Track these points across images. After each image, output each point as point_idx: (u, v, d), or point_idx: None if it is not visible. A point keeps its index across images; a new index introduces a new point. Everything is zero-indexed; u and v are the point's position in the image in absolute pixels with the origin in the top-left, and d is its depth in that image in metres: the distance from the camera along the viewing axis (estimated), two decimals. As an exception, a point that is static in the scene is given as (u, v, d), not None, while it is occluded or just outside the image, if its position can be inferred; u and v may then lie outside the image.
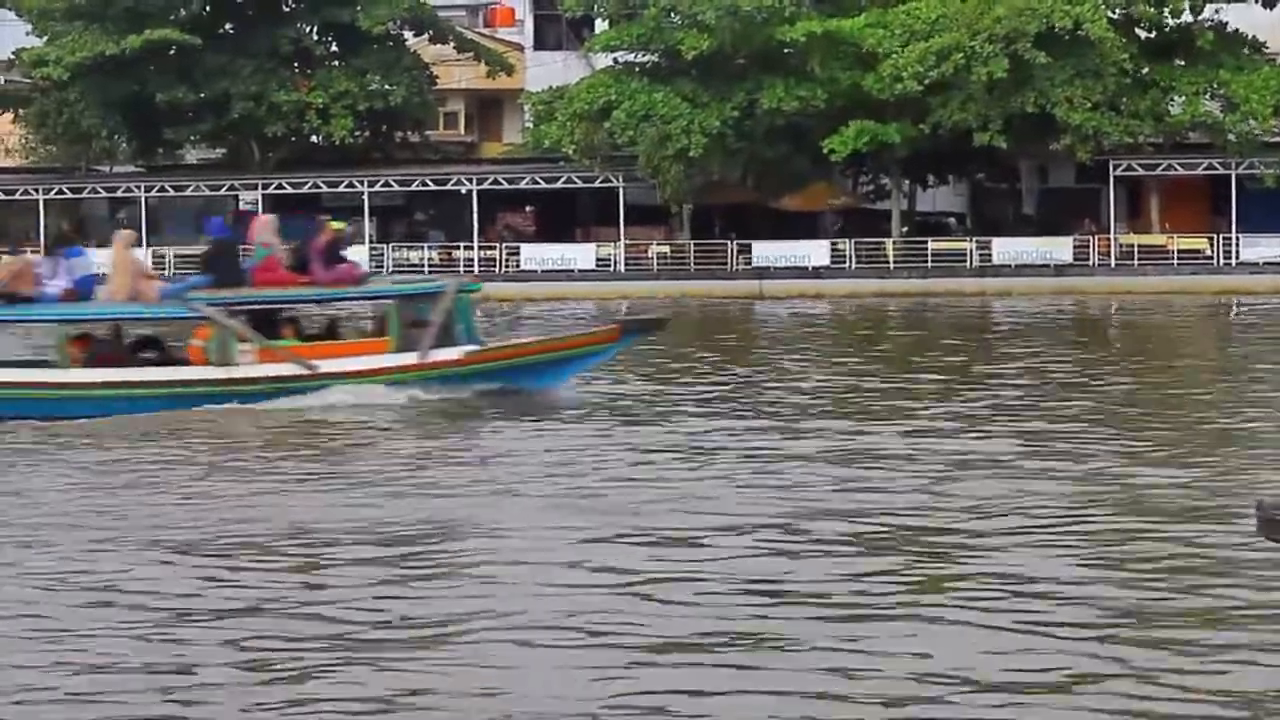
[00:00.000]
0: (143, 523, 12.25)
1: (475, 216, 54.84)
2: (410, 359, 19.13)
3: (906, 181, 55.96)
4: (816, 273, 51.27)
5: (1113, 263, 50.84)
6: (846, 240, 52.22)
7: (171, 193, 58.28)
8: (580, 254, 53.49)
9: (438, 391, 18.93)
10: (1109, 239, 51.37)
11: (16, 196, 58.87)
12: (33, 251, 21.31)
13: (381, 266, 54.24)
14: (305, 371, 19.00)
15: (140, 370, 19.45)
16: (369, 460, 15.44)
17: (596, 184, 54.05)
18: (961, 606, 9.06)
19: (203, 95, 56.49)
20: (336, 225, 20.71)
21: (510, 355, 20.03)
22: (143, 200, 58.10)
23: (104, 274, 20.43)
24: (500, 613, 9.16)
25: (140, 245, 56.96)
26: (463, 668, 8.14)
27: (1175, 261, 50.40)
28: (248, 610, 9.40)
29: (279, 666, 8.23)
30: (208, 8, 58.02)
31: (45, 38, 56.87)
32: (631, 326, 21.11)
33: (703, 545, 10.93)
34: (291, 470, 14.83)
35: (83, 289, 19.85)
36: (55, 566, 10.73)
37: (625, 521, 11.79)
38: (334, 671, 8.13)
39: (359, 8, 56.50)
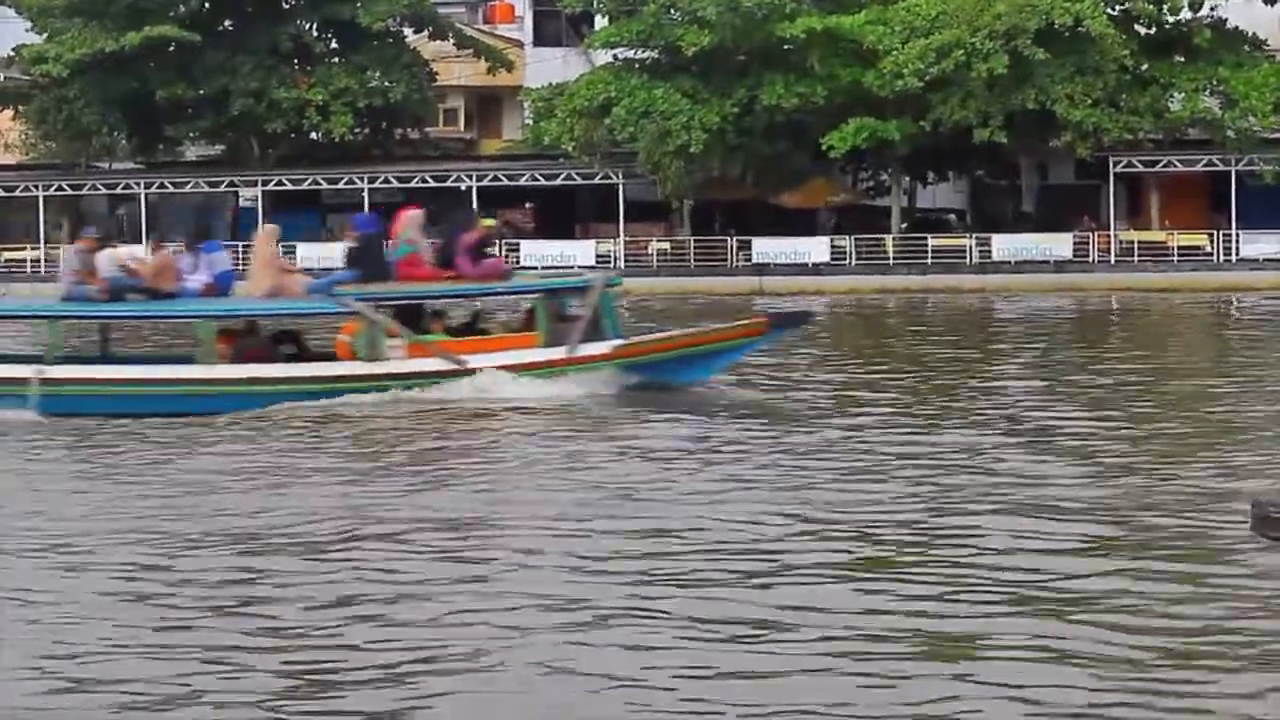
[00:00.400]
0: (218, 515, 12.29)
1: (475, 213, 54.80)
2: (559, 353, 18.94)
3: (906, 178, 56.00)
4: (816, 269, 51.31)
5: (1112, 259, 50.85)
6: (846, 237, 52.27)
7: (171, 189, 58.34)
8: (580, 250, 53.46)
9: (586, 385, 18.72)
10: (1109, 235, 51.38)
11: (16, 193, 58.94)
12: (175, 246, 20.94)
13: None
14: (455, 366, 18.74)
15: (290, 366, 19.25)
16: (483, 454, 15.33)
17: (596, 180, 54.08)
18: (962, 599, 9.10)
19: (202, 92, 56.56)
20: (488, 222, 20.62)
21: (658, 349, 19.74)
22: (142, 196, 58.16)
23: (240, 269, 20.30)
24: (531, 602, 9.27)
25: (140, 242, 57.20)
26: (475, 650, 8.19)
27: (1175, 258, 50.42)
28: (279, 599, 9.48)
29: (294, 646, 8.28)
30: (207, 4, 58.08)
31: (45, 35, 56.94)
32: (779, 320, 20.70)
33: (717, 542, 10.95)
34: (395, 463, 14.78)
35: (222, 284, 19.69)
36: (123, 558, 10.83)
37: (653, 518, 11.85)
38: (342, 663, 8.16)
39: (359, 4, 56.53)
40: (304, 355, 19.85)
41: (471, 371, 18.68)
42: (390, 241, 19.98)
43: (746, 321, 20.61)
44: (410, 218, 19.98)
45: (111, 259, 19.90)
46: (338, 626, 8.93)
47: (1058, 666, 7.88)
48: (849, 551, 10.58)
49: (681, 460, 14.60)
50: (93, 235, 20.57)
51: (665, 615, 8.95)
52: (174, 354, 21.00)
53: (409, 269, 19.37)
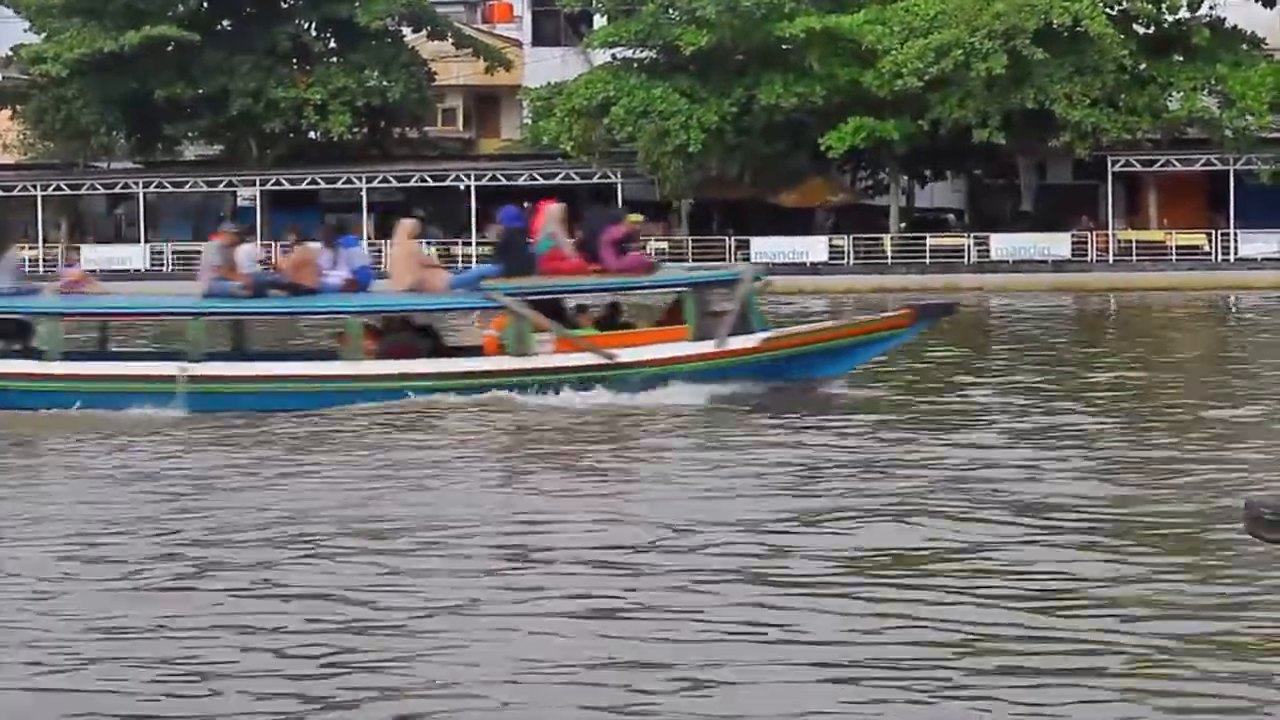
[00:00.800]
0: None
1: (473, 212, 54.85)
2: (708, 347, 18.74)
3: (905, 177, 56.03)
4: (815, 268, 51.32)
5: (1111, 259, 50.89)
6: (845, 236, 52.30)
7: (170, 189, 58.36)
8: (578, 250, 53.41)
9: (736, 379, 18.49)
10: (1107, 235, 51.42)
11: (15, 193, 58.94)
12: (307, 241, 20.52)
13: (381, 263, 54.21)
14: (605, 361, 18.51)
15: (440, 361, 18.98)
16: (609, 454, 15.22)
17: (595, 180, 54.07)
18: (965, 597, 9.13)
19: (201, 91, 56.58)
20: (635, 218, 20.44)
21: (808, 341, 19.48)
22: (141, 196, 58.18)
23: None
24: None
25: (139, 241, 57.24)
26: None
27: (1173, 257, 50.46)
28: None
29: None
30: (206, 4, 58.09)
31: (44, 34, 56.94)
32: (925, 311, 20.23)
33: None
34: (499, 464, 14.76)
35: (361, 280, 19.46)
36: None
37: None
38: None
39: (357, 3, 56.57)
40: (440, 351, 19.60)
41: (621, 366, 18.48)
42: (532, 236, 19.64)
43: (893, 313, 20.24)
44: (552, 211, 19.67)
45: (251, 254, 19.71)
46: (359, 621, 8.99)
47: (1055, 657, 7.94)
48: (856, 546, 10.67)
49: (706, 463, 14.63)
50: (232, 230, 20.11)
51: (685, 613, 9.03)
52: (314, 350, 20.78)
53: (552, 263, 19.10)
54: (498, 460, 15.08)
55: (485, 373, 18.55)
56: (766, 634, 8.56)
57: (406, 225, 20.19)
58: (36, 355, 19.35)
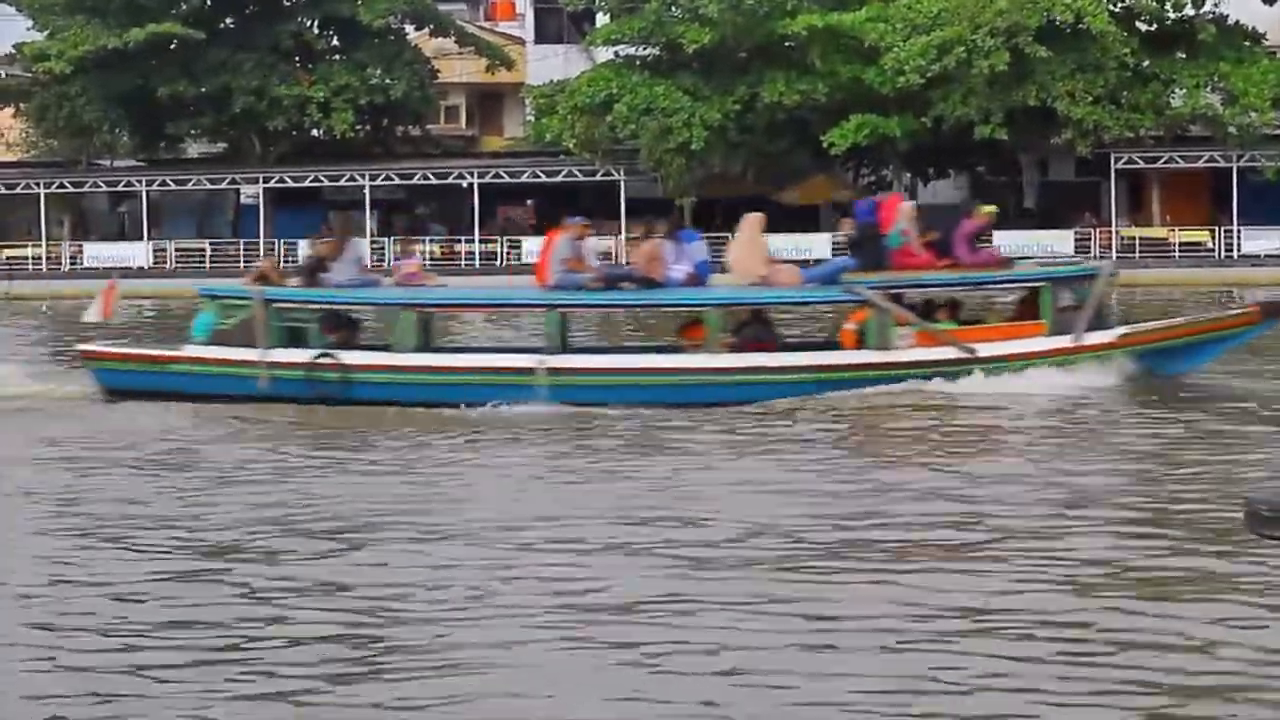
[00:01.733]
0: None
1: (476, 210, 54.88)
2: (1067, 341, 18.62)
3: (907, 175, 56.00)
4: (819, 265, 51.16)
5: (1114, 255, 50.81)
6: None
7: (173, 186, 58.38)
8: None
9: (1095, 374, 18.34)
10: (1110, 232, 51.43)
11: (17, 190, 58.96)
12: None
13: (383, 260, 54.27)
14: (965, 355, 18.36)
15: (799, 355, 18.84)
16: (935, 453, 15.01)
17: (598, 178, 54.10)
18: (967, 597, 9.17)
19: (204, 89, 56.61)
20: (988, 208, 20.37)
21: (1165, 337, 19.40)
22: (144, 194, 58.20)
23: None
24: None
25: (141, 239, 57.25)
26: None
27: (1176, 254, 50.48)
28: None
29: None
30: (209, 2, 58.13)
31: (46, 31, 56.96)
32: (1271, 309, 19.91)
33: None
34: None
35: (700, 274, 19.37)
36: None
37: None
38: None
39: (359, 1, 56.59)
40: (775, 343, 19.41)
41: (983, 360, 18.35)
42: (882, 231, 19.41)
43: (1239, 310, 20.29)
44: (904, 209, 19.66)
45: (594, 248, 19.58)
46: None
47: (1054, 645, 8.06)
48: (867, 547, 10.72)
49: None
50: (581, 223, 19.98)
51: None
52: (658, 344, 20.58)
53: (903, 259, 19.01)
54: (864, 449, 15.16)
55: (847, 366, 18.38)
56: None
57: (754, 219, 20.00)
58: (380, 349, 19.27)
